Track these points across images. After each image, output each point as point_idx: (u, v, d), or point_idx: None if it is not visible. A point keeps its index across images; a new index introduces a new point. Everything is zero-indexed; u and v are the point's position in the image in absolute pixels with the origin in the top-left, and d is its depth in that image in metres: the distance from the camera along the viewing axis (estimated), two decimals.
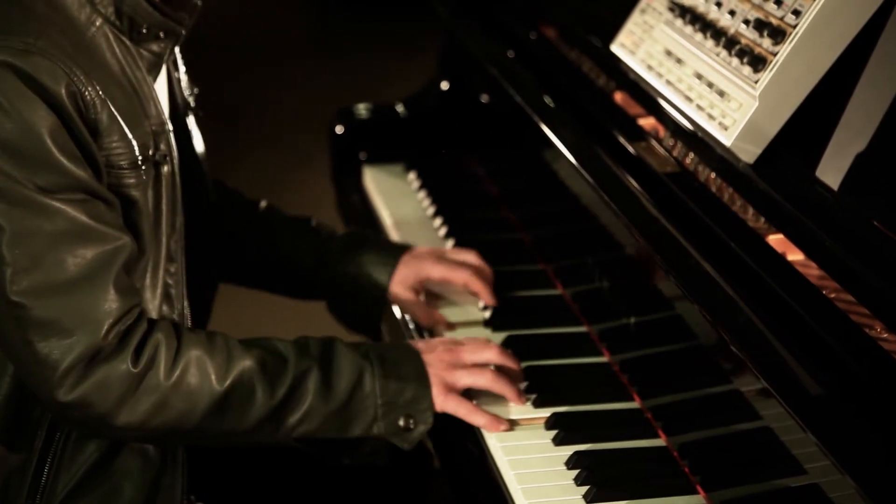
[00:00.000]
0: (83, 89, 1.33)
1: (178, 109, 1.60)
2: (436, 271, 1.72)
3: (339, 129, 2.28)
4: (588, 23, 1.94)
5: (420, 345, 1.54)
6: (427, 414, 1.47)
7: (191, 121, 1.65)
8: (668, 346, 1.52)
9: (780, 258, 1.31)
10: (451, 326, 1.72)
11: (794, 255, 1.33)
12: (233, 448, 1.66)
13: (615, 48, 1.77)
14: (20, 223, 1.30)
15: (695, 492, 1.37)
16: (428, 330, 1.73)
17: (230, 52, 5.00)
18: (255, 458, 1.70)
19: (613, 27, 1.79)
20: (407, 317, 1.76)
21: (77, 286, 1.32)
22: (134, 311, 1.38)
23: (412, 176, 2.19)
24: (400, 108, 2.28)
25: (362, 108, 2.29)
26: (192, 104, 1.65)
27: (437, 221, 2.02)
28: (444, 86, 2.28)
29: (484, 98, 2.19)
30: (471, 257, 1.77)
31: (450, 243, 1.95)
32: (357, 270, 1.74)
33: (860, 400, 1.11)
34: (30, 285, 1.31)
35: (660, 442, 1.46)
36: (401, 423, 1.46)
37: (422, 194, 2.13)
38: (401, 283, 1.73)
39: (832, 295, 1.24)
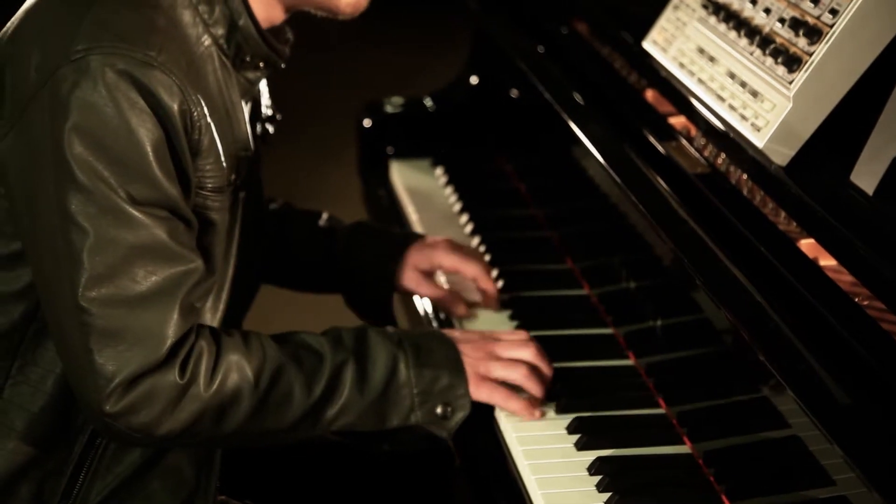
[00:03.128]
0: (193, 109, 1.34)
1: (255, 137, 1.60)
2: (448, 260, 1.71)
3: (366, 123, 2.26)
4: (620, 18, 1.91)
5: (456, 333, 1.52)
6: (464, 400, 1.46)
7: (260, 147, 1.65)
8: (695, 351, 1.49)
9: (812, 264, 1.28)
10: (474, 315, 1.70)
11: (826, 261, 1.29)
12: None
13: (647, 45, 1.74)
14: (105, 230, 1.30)
15: (720, 501, 1.34)
16: (451, 317, 1.71)
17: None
18: (281, 450, 1.68)
19: (646, 23, 1.76)
20: (429, 309, 1.74)
21: (145, 303, 1.32)
22: (189, 329, 1.37)
23: (439, 171, 2.17)
24: (428, 102, 2.25)
25: (390, 102, 2.27)
26: (271, 130, 1.65)
27: (464, 218, 2.00)
28: (474, 80, 2.25)
29: (513, 93, 2.16)
30: (482, 260, 1.76)
31: (475, 240, 1.93)
32: (364, 261, 1.73)
33: (890, 412, 1.08)
34: (100, 294, 1.31)
35: (685, 449, 1.43)
36: (438, 410, 1.45)
37: (448, 190, 2.10)
38: (412, 268, 1.72)
39: (864, 303, 1.21)
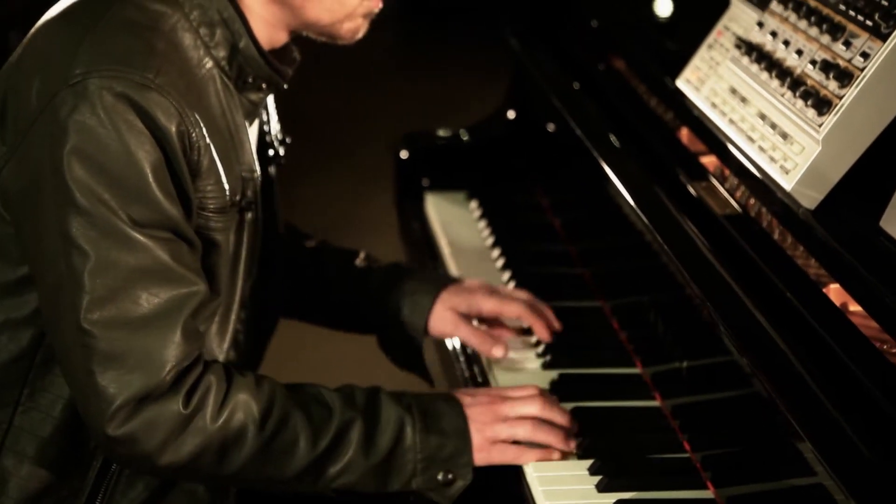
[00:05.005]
0: (192, 130, 1.34)
1: (265, 156, 1.61)
2: (487, 304, 1.69)
3: (403, 154, 2.27)
4: (656, 55, 1.91)
5: (466, 397, 1.49)
6: (466, 469, 1.44)
7: (272, 169, 1.65)
8: (720, 394, 1.47)
9: (837, 311, 1.26)
10: (500, 361, 1.68)
11: (853, 308, 1.28)
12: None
13: (680, 83, 1.73)
14: (106, 253, 1.31)
15: None
16: (483, 359, 1.69)
17: (312, 64, 5.04)
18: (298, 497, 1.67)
19: (682, 60, 1.76)
20: (457, 345, 1.72)
21: (147, 325, 1.33)
22: (193, 354, 1.37)
23: (474, 204, 2.17)
24: (464, 135, 2.26)
25: (427, 135, 2.28)
26: (281, 153, 1.65)
27: (495, 252, 2.00)
28: (511, 115, 2.26)
29: (550, 127, 2.16)
30: (523, 293, 1.73)
31: (506, 275, 1.92)
32: (396, 304, 1.71)
33: None
34: (102, 316, 1.31)
35: (708, 494, 1.41)
36: (440, 478, 1.43)
37: (482, 224, 2.10)
38: (448, 310, 1.68)
39: (892, 351, 1.19)
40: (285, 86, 1.49)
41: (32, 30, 1.41)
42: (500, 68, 2.41)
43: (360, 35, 1.48)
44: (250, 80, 1.44)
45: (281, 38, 1.47)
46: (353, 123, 4.72)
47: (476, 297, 1.70)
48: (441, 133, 2.28)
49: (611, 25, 2.06)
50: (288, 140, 1.67)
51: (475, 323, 1.71)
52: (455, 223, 2.12)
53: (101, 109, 1.29)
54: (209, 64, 1.39)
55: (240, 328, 1.49)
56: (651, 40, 1.97)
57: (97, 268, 1.30)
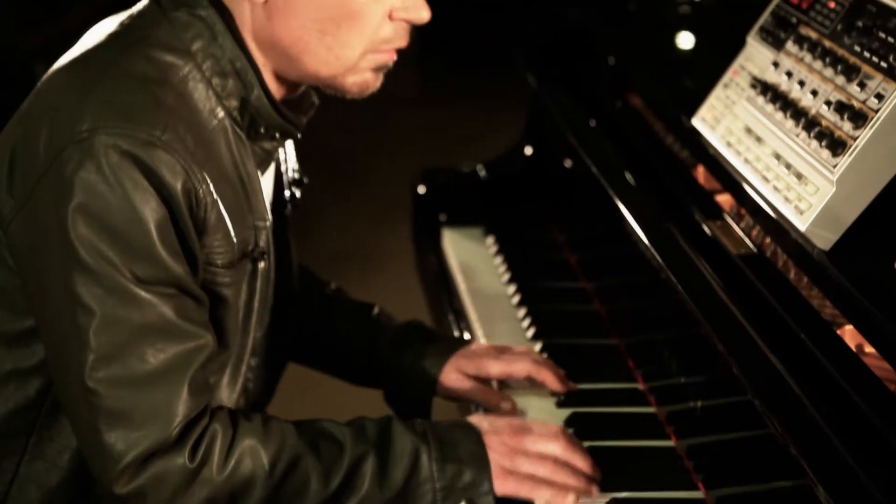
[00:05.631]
0: (198, 187, 1.33)
1: (281, 202, 1.60)
2: (495, 368, 1.66)
3: (421, 190, 2.28)
4: (673, 93, 1.91)
5: (485, 424, 1.47)
6: (488, 498, 1.42)
7: (288, 210, 1.65)
8: (735, 435, 1.46)
9: (851, 353, 1.25)
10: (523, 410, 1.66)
11: (867, 350, 1.27)
12: None
13: (696, 122, 1.73)
14: (111, 310, 1.30)
15: None
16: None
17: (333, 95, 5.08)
18: None
19: (698, 98, 1.76)
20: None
21: (153, 382, 1.32)
22: (200, 407, 1.36)
23: (490, 240, 2.17)
24: (482, 171, 2.26)
25: (445, 170, 2.29)
26: (298, 195, 1.64)
27: (511, 288, 2.00)
28: (528, 151, 2.26)
29: (567, 163, 2.16)
30: (527, 351, 1.70)
31: (521, 312, 1.92)
32: (408, 362, 1.69)
33: None
34: (107, 374, 1.31)
35: None
36: None
37: (498, 260, 2.11)
38: (456, 371, 1.67)
39: None
40: (299, 135, 1.49)
41: (45, 76, 1.41)
42: (519, 104, 2.42)
43: (371, 89, 1.45)
44: (262, 130, 1.43)
45: (293, 88, 1.47)
46: (373, 155, 4.74)
47: (483, 361, 1.67)
48: (458, 169, 2.29)
49: (628, 63, 2.07)
50: (306, 180, 1.67)
51: (493, 384, 1.70)
52: (471, 259, 2.13)
53: (107, 167, 1.28)
54: (221, 114, 1.39)
55: (250, 376, 1.48)
56: (667, 78, 1.97)
57: (102, 325, 1.30)
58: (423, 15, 1.43)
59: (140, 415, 1.31)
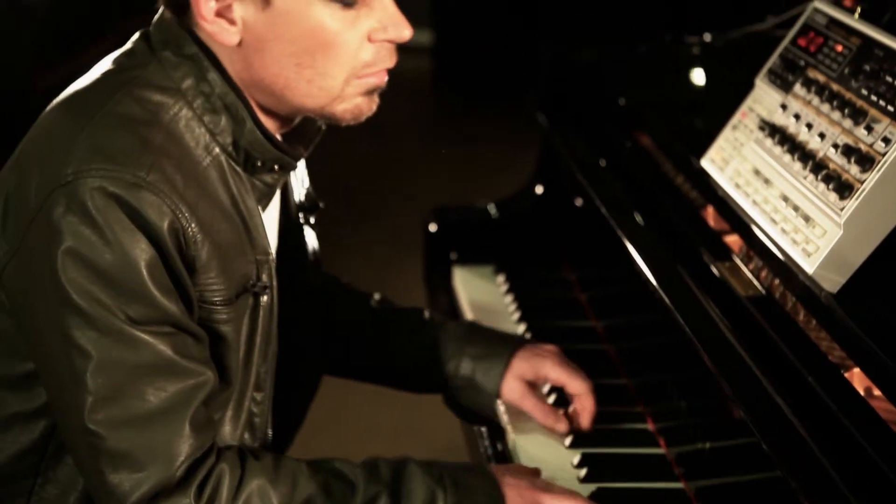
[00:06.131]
0: (186, 226, 1.33)
1: (290, 230, 1.60)
2: (555, 373, 1.67)
3: (432, 228, 2.29)
4: (682, 134, 1.92)
5: (506, 476, 1.45)
6: None
7: (307, 232, 1.64)
8: (744, 477, 1.46)
9: (858, 396, 1.26)
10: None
11: (875, 393, 1.27)
12: None
13: (705, 163, 1.74)
14: (107, 352, 1.30)
15: None
16: (507, 437, 1.68)
17: (348, 130, 5.13)
18: None
19: (707, 139, 1.77)
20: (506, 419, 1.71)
21: (154, 421, 1.31)
22: (206, 445, 1.35)
23: (501, 279, 2.18)
24: (492, 209, 2.27)
25: (456, 208, 2.30)
26: (312, 220, 1.64)
27: (521, 328, 2.00)
28: (539, 190, 2.27)
29: (578, 202, 2.17)
30: (587, 379, 1.70)
31: None
32: (469, 367, 1.69)
33: None
34: (107, 416, 1.30)
35: None
36: None
37: (508, 298, 2.11)
38: (517, 379, 1.67)
39: None
40: (295, 167, 1.48)
41: (39, 117, 1.41)
42: (532, 142, 2.43)
43: (367, 114, 1.43)
44: (259, 163, 1.42)
45: (288, 121, 1.46)
46: (386, 191, 4.76)
47: (546, 364, 1.68)
48: (469, 207, 2.30)
49: (637, 103, 2.08)
50: (321, 205, 1.66)
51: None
52: (482, 297, 2.13)
53: (93, 210, 1.28)
54: (216, 150, 1.39)
55: (255, 411, 1.47)
56: (677, 119, 1.98)
57: (98, 367, 1.29)
58: (404, 33, 1.39)
59: (142, 455, 1.31)
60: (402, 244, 3.78)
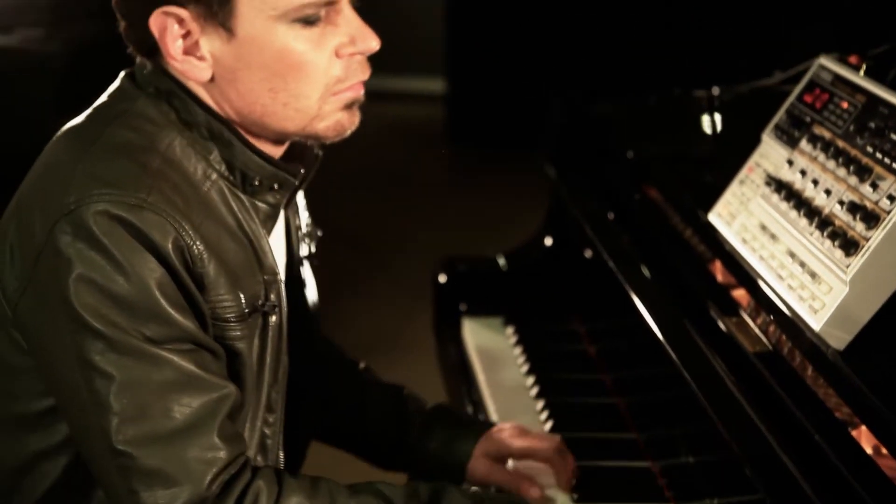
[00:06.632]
0: (191, 243, 1.34)
1: (294, 258, 1.62)
2: (517, 443, 1.67)
3: (441, 279, 2.29)
4: (690, 188, 1.92)
5: None
6: None
7: (305, 269, 1.66)
8: None
9: (865, 455, 1.25)
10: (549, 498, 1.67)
11: (883, 451, 1.26)
12: None
13: (712, 217, 1.74)
14: (129, 372, 1.31)
15: None
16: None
17: (360, 178, 5.17)
18: None
19: (715, 192, 1.78)
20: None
21: (183, 435, 1.32)
22: (239, 459, 1.36)
23: (510, 331, 2.18)
24: (501, 261, 2.28)
25: (466, 259, 2.30)
26: (312, 251, 1.66)
27: (530, 380, 2.00)
28: (548, 242, 2.28)
29: (588, 253, 2.18)
30: (553, 439, 1.71)
31: (540, 404, 1.92)
32: (437, 448, 1.69)
33: None
34: (136, 434, 1.31)
35: None
36: None
37: (517, 350, 2.11)
38: (482, 457, 1.67)
39: None
40: (297, 183, 1.49)
41: (34, 164, 1.43)
42: (544, 190, 2.44)
43: (350, 128, 1.44)
44: (257, 182, 1.44)
45: (275, 148, 1.47)
46: (398, 238, 4.78)
47: (506, 440, 1.68)
48: (479, 258, 2.31)
49: (646, 156, 2.09)
50: (319, 233, 1.68)
51: (510, 463, 1.70)
52: (491, 349, 2.14)
53: (99, 234, 1.29)
54: (214, 176, 1.41)
55: (267, 433, 1.48)
56: (685, 172, 1.99)
57: (121, 388, 1.30)
58: (371, 44, 1.41)
59: (174, 470, 1.31)
60: (414, 293, 3.79)
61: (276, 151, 1.48)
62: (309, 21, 1.36)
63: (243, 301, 1.40)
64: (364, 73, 1.43)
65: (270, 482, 1.36)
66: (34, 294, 1.35)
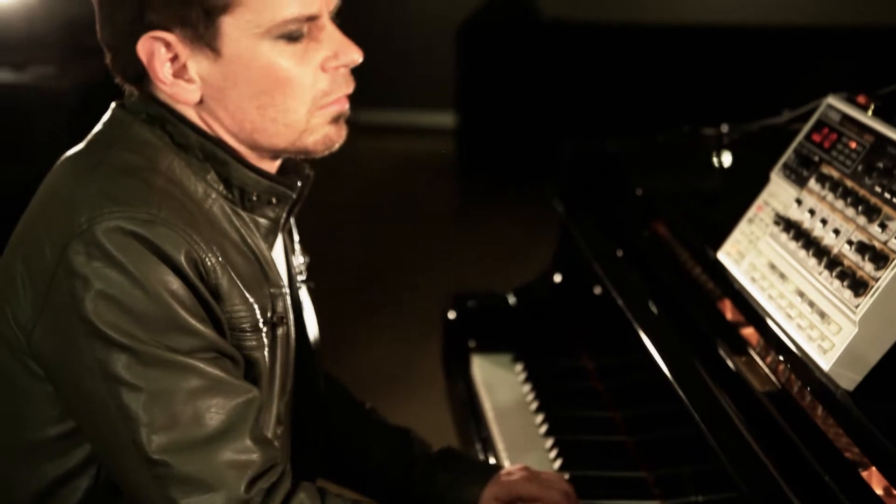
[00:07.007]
0: (203, 255, 1.36)
1: (293, 277, 1.63)
2: (526, 489, 1.65)
3: (451, 315, 2.29)
4: (699, 226, 1.93)
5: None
6: None
7: (303, 292, 1.67)
8: None
9: (875, 496, 1.25)
10: None
11: (894, 492, 1.26)
12: None
13: (721, 255, 1.74)
14: (157, 383, 1.32)
15: None
16: None
17: (368, 213, 5.18)
18: None
19: (724, 230, 1.78)
20: None
21: (216, 439, 1.33)
22: (277, 468, 1.37)
23: (519, 367, 2.18)
24: (511, 298, 2.28)
25: (474, 296, 2.31)
26: (304, 276, 1.67)
27: (539, 418, 2.00)
28: (557, 278, 2.28)
29: (597, 290, 2.18)
30: (564, 483, 1.69)
31: (549, 442, 1.92)
32: (444, 490, 1.68)
33: None
34: (170, 442, 1.32)
35: None
36: None
37: (526, 388, 2.11)
38: (490, 501, 1.65)
39: None
40: (294, 196, 1.51)
41: (33, 199, 1.45)
42: (552, 226, 2.45)
43: (339, 141, 1.47)
44: (255, 198, 1.46)
45: (268, 165, 1.49)
46: (409, 272, 4.78)
47: (516, 483, 1.66)
48: (488, 295, 2.31)
49: (655, 194, 2.09)
50: (307, 258, 1.68)
51: None
52: (500, 386, 2.13)
53: (114, 251, 1.31)
54: (213, 195, 1.42)
55: (276, 445, 1.48)
56: (694, 210, 1.99)
57: (151, 399, 1.31)
58: (355, 57, 1.44)
59: (211, 475, 1.32)
60: (424, 326, 3.80)
61: (270, 168, 1.50)
62: (293, 37, 1.40)
63: (257, 311, 1.43)
64: (348, 87, 1.46)
65: (313, 496, 1.38)
66: (50, 318, 1.36)
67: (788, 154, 1.70)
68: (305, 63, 1.41)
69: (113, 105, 1.48)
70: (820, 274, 1.48)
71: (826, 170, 1.59)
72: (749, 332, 1.61)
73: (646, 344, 1.69)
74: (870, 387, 1.38)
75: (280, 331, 1.47)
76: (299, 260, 1.67)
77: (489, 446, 1.97)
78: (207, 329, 1.35)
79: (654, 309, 1.77)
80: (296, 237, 1.68)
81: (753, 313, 1.59)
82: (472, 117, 6.11)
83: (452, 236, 5.20)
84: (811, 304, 1.48)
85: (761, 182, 1.75)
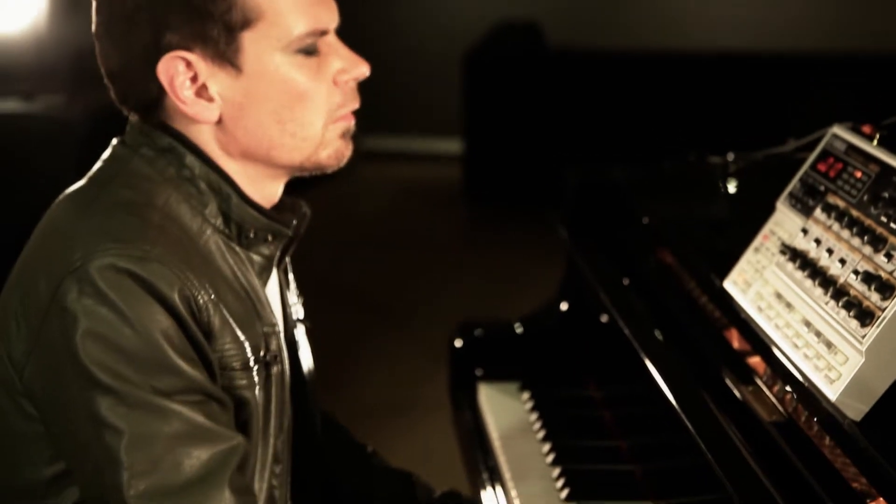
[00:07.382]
0: (196, 293, 1.36)
1: (288, 315, 1.63)
2: None
3: (457, 343, 2.30)
4: (705, 255, 1.93)
5: None
6: None
7: (299, 332, 1.67)
8: None
9: None
10: None
11: None
12: None
13: (727, 284, 1.75)
14: (139, 426, 1.31)
15: None
16: None
17: (376, 238, 5.19)
18: None
19: (730, 259, 1.78)
20: None
21: (193, 487, 1.32)
22: None
23: (525, 396, 2.18)
24: (518, 326, 2.28)
25: (481, 324, 2.31)
26: (300, 315, 1.67)
27: (546, 447, 1.99)
28: (564, 307, 2.28)
29: (603, 318, 2.18)
30: None
31: (555, 471, 1.92)
32: None
33: None
34: (147, 488, 1.31)
35: None
36: None
37: (533, 416, 2.11)
38: None
39: None
40: (290, 234, 1.52)
41: (31, 237, 1.46)
42: (559, 252, 2.45)
43: (346, 156, 1.50)
44: (252, 234, 1.46)
45: (274, 189, 1.51)
46: (415, 299, 4.79)
47: None
48: (495, 323, 2.31)
49: (661, 222, 2.10)
50: (301, 299, 1.69)
51: None
52: (506, 415, 2.13)
53: (106, 289, 1.31)
54: (208, 231, 1.43)
55: (275, 484, 1.48)
56: (700, 238, 2.00)
57: (132, 442, 1.31)
58: (364, 70, 1.48)
59: None
60: (431, 355, 3.79)
61: (273, 194, 1.51)
62: (309, 51, 1.43)
63: (248, 349, 1.42)
64: (356, 102, 1.49)
65: None
66: (42, 355, 1.36)
67: (794, 183, 1.70)
68: (321, 77, 1.44)
69: (114, 141, 1.49)
70: (826, 304, 1.48)
71: (832, 199, 1.59)
72: (756, 361, 1.61)
73: (652, 373, 1.69)
74: (877, 417, 1.38)
75: (274, 369, 1.47)
76: (294, 299, 1.67)
77: (496, 475, 1.96)
78: (196, 371, 1.34)
79: (660, 337, 1.78)
80: (291, 276, 1.68)
81: (760, 342, 1.59)
82: (478, 144, 6.13)
83: (459, 263, 5.20)
84: (818, 334, 1.48)
85: (767, 211, 1.75)
